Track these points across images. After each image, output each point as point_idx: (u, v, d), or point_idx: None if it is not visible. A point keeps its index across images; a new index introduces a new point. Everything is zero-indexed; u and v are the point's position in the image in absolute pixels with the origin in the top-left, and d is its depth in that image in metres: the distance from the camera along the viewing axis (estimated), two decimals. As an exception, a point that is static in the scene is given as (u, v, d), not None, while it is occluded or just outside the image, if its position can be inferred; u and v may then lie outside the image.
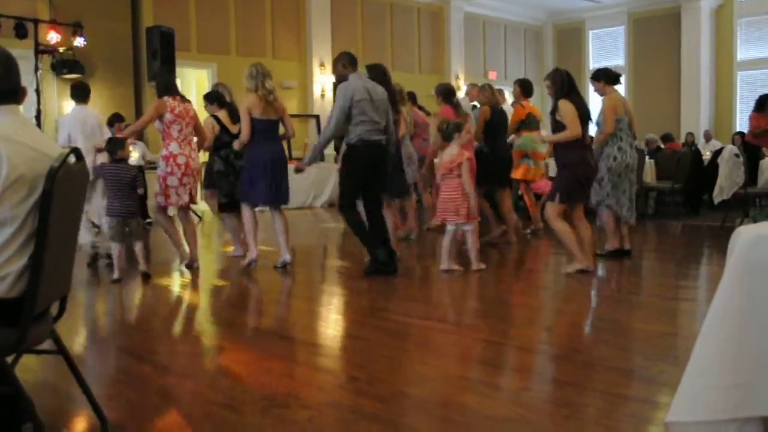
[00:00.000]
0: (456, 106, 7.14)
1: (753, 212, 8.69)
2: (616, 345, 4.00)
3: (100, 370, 3.61)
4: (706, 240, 8.14)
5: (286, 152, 6.45)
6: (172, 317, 4.93)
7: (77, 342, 4.20)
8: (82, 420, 2.87)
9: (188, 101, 6.31)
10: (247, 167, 6.07)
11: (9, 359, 2.31)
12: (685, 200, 10.44)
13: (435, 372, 3.47)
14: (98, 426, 2.64)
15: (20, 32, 9.79)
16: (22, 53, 8.97)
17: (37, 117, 9.65)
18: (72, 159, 2.39)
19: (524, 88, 7.99)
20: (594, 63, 18.14)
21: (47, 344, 2.63)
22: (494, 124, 7.40)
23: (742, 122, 15.65)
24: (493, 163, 7.27)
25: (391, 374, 3.46)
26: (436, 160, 6.04)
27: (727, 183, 8.26)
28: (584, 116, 5.65)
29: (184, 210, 6.38)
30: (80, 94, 6.79)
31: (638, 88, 16.94)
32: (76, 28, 10.34)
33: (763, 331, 1.75)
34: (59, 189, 2.26)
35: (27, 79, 9.44)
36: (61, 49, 10.36)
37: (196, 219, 10.04)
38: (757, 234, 1.79)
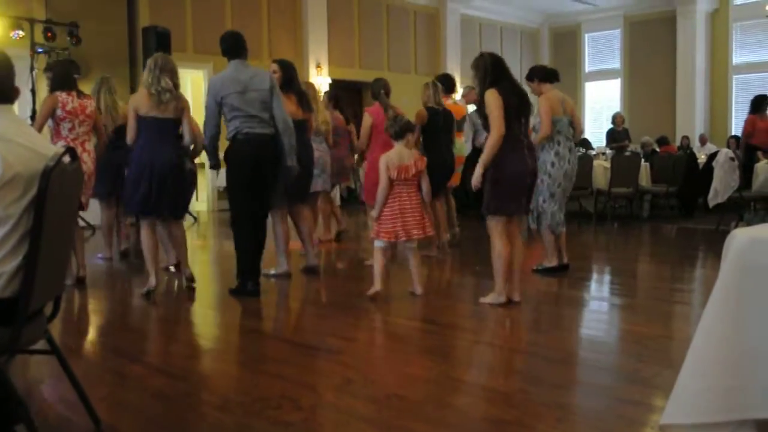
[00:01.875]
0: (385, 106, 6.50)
1: (748, 216, 8.72)
2: (610, 347, 4.01)
3: (94, 370, 3.60)
4: (701, 243, 8.16)
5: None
6: (165, 319, 4.92)
7: (71, 342, 4.19)
8: (75, 422, 2.85)
9: (87, 96, 5.72)
10: (129, 171, 5.35)
11: (2, 359, 2.30)
12: (680, 203, 10.46)
13: (429, 374, 3.47)
14: (92, 427, 2.64)
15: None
16: (18, 53, 8.94)
17: (32, 117, 9.61)
18: (67, 158, 2.39)
19: (445, 85, 7.23)
20: (590, 66, 18.20)
21: (41, 344, 2.62)
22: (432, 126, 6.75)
23: (737, 126, 15.68)
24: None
25: (385, 376, 3.46)
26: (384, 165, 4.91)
27: (722, 186, 8.28)
28: (518, 108, 4.64)
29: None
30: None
31: (634, 91, 16.98)
32: (72, 28, 10.30)
33: (758, 334, 1.75)
34: (54, 188, 2.26)
35: (22, 79, 9.44)
36: (57, 49, 10.33)
37: (191, 220, 10.01)
38: (751, 237, 1.80)
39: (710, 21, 16.38)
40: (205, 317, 5.00)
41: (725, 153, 8.62)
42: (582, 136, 6.53)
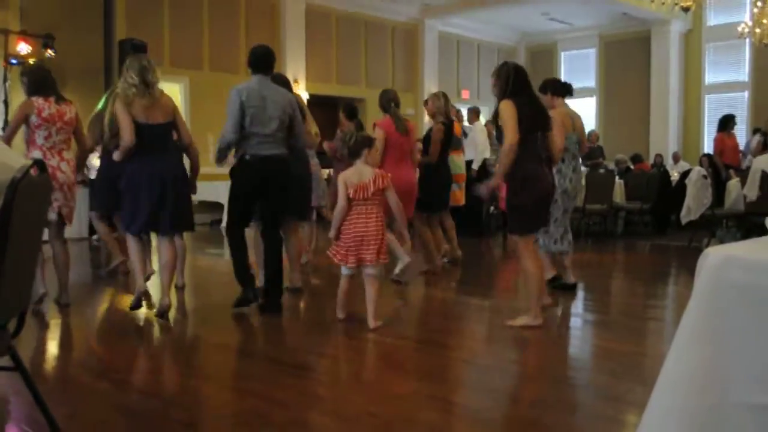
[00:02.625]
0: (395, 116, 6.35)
1: (720, 233, 8.81)
2: (584, 364, 4.01)
3: (61, 387, 3.53)
4: (674, 259, 8.22)
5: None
6: (134, 334, 4.84)
7: (38, 358, 4.11)
8: (39, 439, 2.79)
9: (66, 102, 5.27)
10: (124, 186, 4.98)
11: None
12: (654, 220, 10.56)
13: (402, 391, 3.44)
14: (56, 445, 2.57)
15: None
16: (-10, 64, 8.84)
17: (4, 128, 9.51)
18: (35, 170, 2.34)
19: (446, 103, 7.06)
20: (566, 84, 18.36)
21: (4, 360, 2.56)
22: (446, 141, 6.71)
23: (709, 144, 15.89)
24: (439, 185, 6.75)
25: (357, 393, 3.42)
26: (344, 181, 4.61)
27: (694, 204, 8.36)
28: (534, 122, 4.53)
29: (56, 230, 5.23)
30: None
31: (608, 109, 17.17)
32: (47, 40, 10.21)
33: (731, 352, 1.75)
34: (21, 201, 2.21)
35: (-6, 90, 9.33)
36: (31, 61, 10.23)
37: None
38: (725, 255, 1.80)
39: (684, 41, 16.63)
40: (179, 333, 4.93)
41: (698, 171, 8.72)
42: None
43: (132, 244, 5.04)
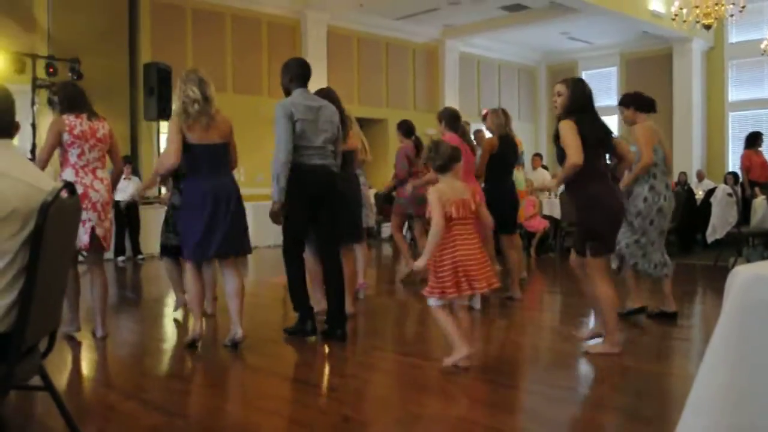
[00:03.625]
0: (463, 134, 6.27)
1: (746, 251, 8.71)
2: (612, 384, 3.96)
3: (88, 407, 3.55)
4: (700, 279, 8.13)
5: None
6: (162, 354, 4.87)
7: (65, 378, 4.14)
8: (68, 459, 2.81)
9: (99, 118, 5.07)
10: (180, 211, 4.82)
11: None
12: (679, 239, 10.46)
13: (428, 411, 3.42)
14: (85, 465, 2.59)
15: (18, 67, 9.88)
16: (20, 88, 9.01)
17: (32, 151, 9.67)
18: (65, 193, 2.38)
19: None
20: (587, 103, 18.34)
21: (35, 380, 2.59)
22: (501, 156, 6.43)
23: (734, 162, 15.75)
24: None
25: (384, 414, 3.42)
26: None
27: (720, 222, 8.28)
28: (598, 141, 4.36)
29: (94, 255, 5.01)
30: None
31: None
32: (74, 64, 10.40)
33: (762, 371, 1.73)
34: (51, 224, 2.25)
35: (24, 114, 9.50)
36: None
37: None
38: (754, 274, 1.78)
39: (706, 59, 16.57)
40: (204, 353, 4.94)
41: (723, 189, 8.64)
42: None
43: (192, 282, 4.70)
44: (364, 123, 14.17)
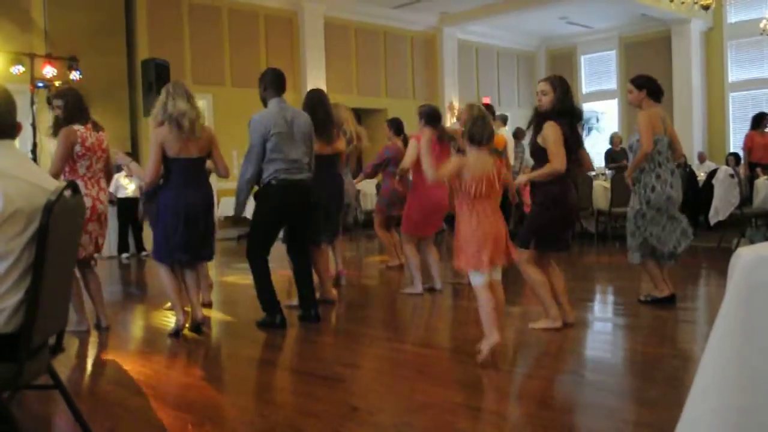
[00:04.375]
0: (441, 130, 6.32)
1: (749, 232, 8.71)
2: (616, 368, 3.98)
3: (98, 404, 3.57)
4: (703, 261, 8.13)
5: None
6: (169, 350, 4.89)
7: (74, 376, 4.17)
8: (79, 456, 2.83)
9: (101, 129, 5.17)
10: (158, 217, 5.03)
11: (5, 394, 2.28)
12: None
13: (436, 400, 3.44)
14: (96, 461, 2.61)
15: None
16: (18, 87, 9.01)
17: (33, 150, 9.68)
18: (68, 192, 2.39)
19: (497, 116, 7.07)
20: (587, 87, 18.29)
21: (44, 379, 2.61)
22: None
23: (735, 143, 15.72)
24: None
25: (392, 403, 3.43)
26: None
27: (722, 204, 8.28)
28: (573, 145, 4.59)
29: (87, 262, 5.17)
30: None
31: (631, 111, 17.05)
32: (72, 62, 10.39)
33: (766, 353, 1.74)
34: (56, 222, 2.26)
35: (23, 114, 9.49)
36: (57, 83, 10.41)
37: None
38: (758, 256, 1.79)
39: (705, 40, 16.50)
40: (211, 347, 4.97)
41: (725, 170, 8.63)
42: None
43: (167, 278, 5.02)
44: (363, 113, 14.20)
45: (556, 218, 4.59)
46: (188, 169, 4.86)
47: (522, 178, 4.72)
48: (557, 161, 4.42)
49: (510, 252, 4.03)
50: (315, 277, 5.86)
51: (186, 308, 5.11)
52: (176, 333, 4.97)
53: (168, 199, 4.87)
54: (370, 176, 7.67)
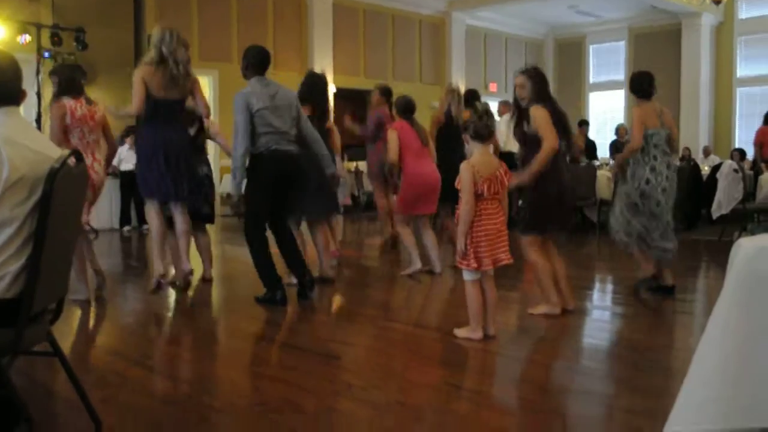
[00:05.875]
0: (412, 123, 6.34)
1: (751, 227, 8.71)
2: (614, 356, 4.00)
3: (95, 372, 3.60)
4: (704, 254, 8.14)
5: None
6: (168, 322, 4.92)
7: (73, 345, 4.19)
8: (76, 423, 2.85)
9: (94, 102, 5.36)
10: (139, 154, 5.32)
11: (4, 360, 2.30)
12: (684, 214, 10.44)
13: (430, 380, 3.46)
14: (92, 429, 2.63)
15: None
16: (25, 57, 8.99)
17: (38, 120, 9.68)
18: (72, 160, 2.39)
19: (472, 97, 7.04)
20: (594, 77, 18.23)
21: (43, 346, 2.62)
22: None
23: (741, 138, 15.69)
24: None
25: (386, 382, 3.45)
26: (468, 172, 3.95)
27: (725, 198, 8.27)
28: (562, 126, 4.65)
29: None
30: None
31: (638, 103, 17.01)
32: (79, 33, 10.36)
33: (764, 343, 1.75)
34: (59, 190, 2.26)
35: (28, 83, 9.48)
36: (64, 54, 10.40)
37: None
38: (758, 246, 1.79)
39: (715, 34, 16.41)
40: (209, 321, 5.00)
41: (729, 165, 8.61)
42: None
43: (153, 222, 5.22)
44: (369, 95, 14.13)
45: (552, 199, 4.61)
46: (168, 109, 5.08)
47: (524, 176, 4.64)
48: (549, 139, 4.48)
49: (507, 252, 4.06)
50: (314, 254, 5.99)
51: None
52: (157, 285, 5.06)
53: (147, 137, 5.14)
54: (372, 139, 7.46)
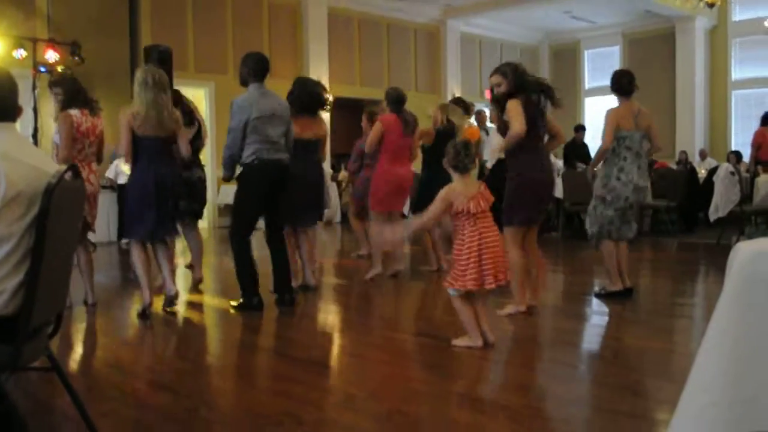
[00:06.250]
0: (403, 116, 6.45)
1: (749, 230, 8.71)
2: (613, 361, 3.99)
3: (94, 387, 3.59)
4: (703, 257, 8.15)
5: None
6: (167, 335, 4.91)
7: (72, 359, 4.18)
8: (76, 438, 2.84)
9: (98, 114, 5.44)
10: (129, 195, 5.20)
11: (4, 376, 2.29)
12: (681, 218, 10.46)
13: (432, 389, 3.45)
14: (93, 444, 2.62)
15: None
16: (20, 72, 8.99)
17: (34, 135, 9.67)
18: (69, 176, 2.39)
19: (460, 105, 7.18)
20: (589, 83, 18.27)
21: (42, 361, 2.61)
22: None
23: (736, 141, 15.72)
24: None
25: (387, 392, 3.45)
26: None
27: (722, 201, 8.28)
28: (533, 119, 4.73)
29: (80, 234, 5.27)
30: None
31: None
32: (74, 47, 10.37)
33: (764, 347, 1.74)
34: (56, 206, 2.26)
35: (25, 98, 9.48)
36: (59, 68, 10.39)
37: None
38: (757, 250, 1.79)
39: (709, 37, 16.47)
40: (207, 334, 4.99)
41: (725, 167, 8.63)
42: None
43: (137, 255, 5.16)
44: (365, 104, 14.16)
45: (526, 189, 4.73)
46: (156, 147, 5.05)
47: (494, 155, 4.78)
48: (515, 126, 4.63)
49: (505, 271, 4.06)
50: (298, 262, 6.09)
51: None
52: (143, 313, 5.06)
53: (136, 178, 5.09)
54: (354, 173, 7.82)
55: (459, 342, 4.10)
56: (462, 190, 4.00)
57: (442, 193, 4.04)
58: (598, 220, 5.41)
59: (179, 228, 6.04)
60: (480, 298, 4.10)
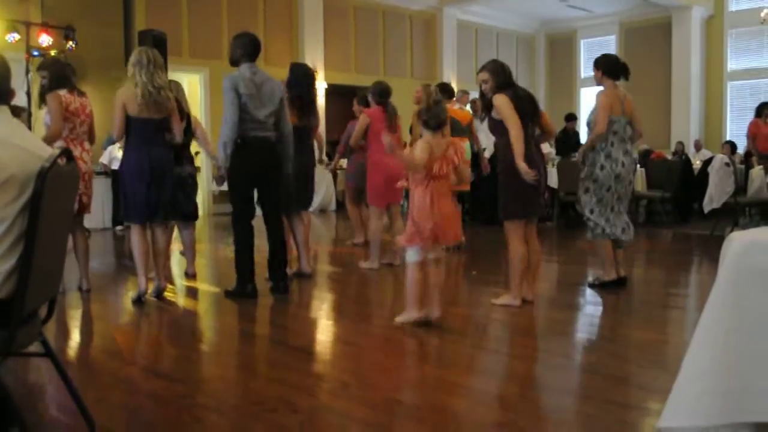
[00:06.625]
0: (387, 109, 6.54)
1: (743, 221, 8.74)
2: (607, 352, 4.00)
3: (88, 373, 3.58)
4: (696, 248, 8.17)
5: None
6: (162, 321, 4.90)
7: (65, 345, 4.17)
8: (69, 424, 2.84)
9: (85, 95, 5.51)
10: (123, 177, 5.19)
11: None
12: (675, 209, 10.48)
13: (426, 378, 3.46)
14: (86, 429, 2.61)
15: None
16: (13, 56, 8.92)
17: (27, 119, 9.60)
18: (62, 159, 2.38)
19: (444, 91, 7.24)
20: (585, 72, 18.23)
21: (35, 347, 2.60)
22: None
23: (732, 132, 15.72)
24: None
25: (382, 380, 3.45)
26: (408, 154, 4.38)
27: (717, 192, 8.30)
28: (525, 113, 4.72)
29: (77, 218, 5.28)
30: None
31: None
32: (68, 32, 10.28)
33: (756, 336, 1.75)
34: (49, 190, 2.24)
35: (18, 82, 9.42)
36: (52, 52, 10.32)
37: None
38: (750, 240, 1.80)
39: (705, 27, 16.44)
40: (202, 321, 4.99)
41: (720, 159, 8.64)
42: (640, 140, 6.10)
43: (137, 242, 5.13)
44: (360, 92, 14.11)
45: (520, 183, 4.65)
46: (150, 128, 5.04)
47: (522, 165, 4.67)
48: (513, 126, 4.61)
49: (458, 233, 4.33)
50: (294, 249, 6.08)
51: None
52: (138, 299, 5.08)
53: (129, 159, 5.07)
54: (344, 155, 8.04)
55: (400, 319, 4.31)
56: (436, 147, 4.18)
57: (422, 143, 4.20)
58: (589, 208, 5.40)
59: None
60: (434, 267, 4.24)
